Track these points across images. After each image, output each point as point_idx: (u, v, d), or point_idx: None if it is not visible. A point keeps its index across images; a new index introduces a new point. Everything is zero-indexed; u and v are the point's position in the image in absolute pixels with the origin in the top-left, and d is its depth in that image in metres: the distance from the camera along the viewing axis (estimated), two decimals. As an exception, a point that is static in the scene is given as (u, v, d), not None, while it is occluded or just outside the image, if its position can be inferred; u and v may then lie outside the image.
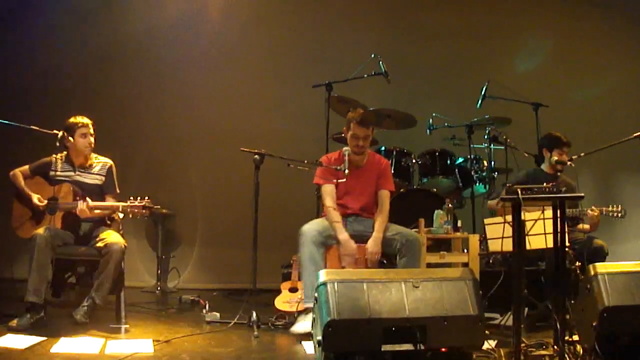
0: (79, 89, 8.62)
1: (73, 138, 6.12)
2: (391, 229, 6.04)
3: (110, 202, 6.11)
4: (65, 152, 6.22)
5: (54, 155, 6.13)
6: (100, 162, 6.30)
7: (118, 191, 6.28)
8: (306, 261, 5.76)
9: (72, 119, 6.17)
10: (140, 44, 8.84)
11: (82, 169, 6.20)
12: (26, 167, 6.18)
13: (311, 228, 5.85)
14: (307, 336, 5.06)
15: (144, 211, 5.84)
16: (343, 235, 5.93)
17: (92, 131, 6.19)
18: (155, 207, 5.97)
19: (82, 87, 8.66)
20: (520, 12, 9.08)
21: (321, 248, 5.82)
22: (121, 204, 5.90)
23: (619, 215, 6.41)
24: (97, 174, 6.24)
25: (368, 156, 6.35)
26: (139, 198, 5.87)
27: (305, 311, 5.74)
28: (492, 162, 7.58)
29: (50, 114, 6.77)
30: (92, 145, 6.21)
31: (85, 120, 6.18)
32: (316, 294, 4.31)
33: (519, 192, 4.46)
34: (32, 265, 5.56)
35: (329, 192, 6.16)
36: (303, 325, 5.62)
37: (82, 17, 8.76)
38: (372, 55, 7.48)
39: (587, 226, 6.52)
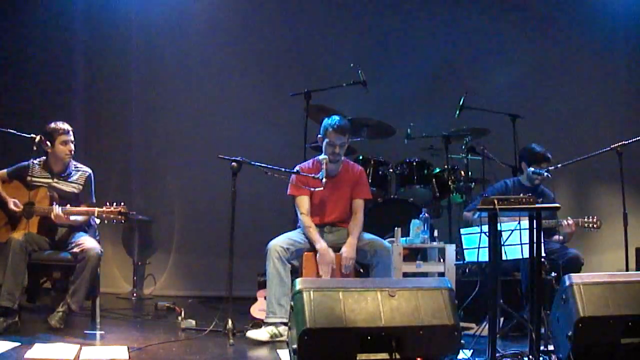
0: (56, 93, 8.54)
1: (53, 144, 6.00)
2: (363, 239, 6.07)
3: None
4: (44, 158, 6.14)
5: (32, 160, 6.07)
6: (79, 170, 6.22)
7: (94, 201, 6.19)
8: (271, 277, 5.78)
9: (52, 125, 6.03)
10: (120, 51, 8.79)
11: (60, 176, 6.12)
12: (4, 171, 6.11)
13: (276, 244, 5.85)
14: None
15: (119, 217, 5.79)
16: (321, 244, 5.95)
17: (72, 138, 6.09)
18: (131, 212, 5.94)
19: (59, 91, 8.58)
20: (499, 24, 9.12)
21: (287, 264, 5.84)
22: (96, 209, 5.84)
23: (595, 226, 6.42)
24: (75, 182, 6.17)
25: (342, 164, 6.34)
26: (114, 204, 5.83)
27: (265, 324, 5.75)
28: (469, 173, 7.60)
29: (27, 116, 6.72)
30: (73, 152, 6.12)
31: (66, 126, 6.06)
32: (292, 302, 4.31)
33: (495, 202, 4.49)
34: (7, 270, 5.53)
35: (303, 202, 6.17)
36: (256, 333, 5.67)
37: (61, 20, 8.70)
38: (351, 65, 7.48)
39: (562, 237, 6.53)
